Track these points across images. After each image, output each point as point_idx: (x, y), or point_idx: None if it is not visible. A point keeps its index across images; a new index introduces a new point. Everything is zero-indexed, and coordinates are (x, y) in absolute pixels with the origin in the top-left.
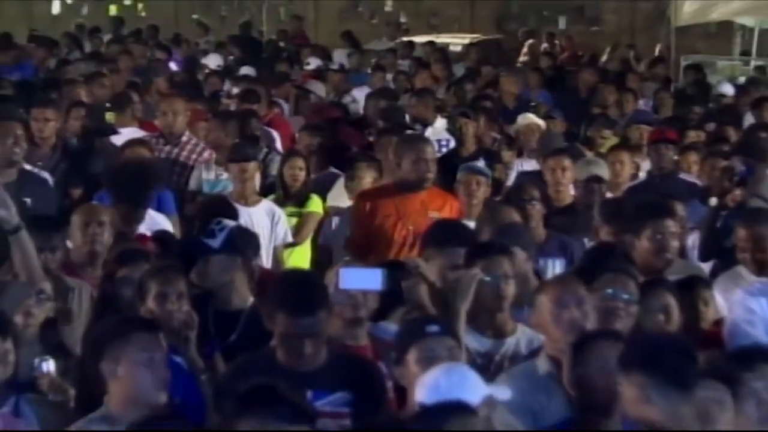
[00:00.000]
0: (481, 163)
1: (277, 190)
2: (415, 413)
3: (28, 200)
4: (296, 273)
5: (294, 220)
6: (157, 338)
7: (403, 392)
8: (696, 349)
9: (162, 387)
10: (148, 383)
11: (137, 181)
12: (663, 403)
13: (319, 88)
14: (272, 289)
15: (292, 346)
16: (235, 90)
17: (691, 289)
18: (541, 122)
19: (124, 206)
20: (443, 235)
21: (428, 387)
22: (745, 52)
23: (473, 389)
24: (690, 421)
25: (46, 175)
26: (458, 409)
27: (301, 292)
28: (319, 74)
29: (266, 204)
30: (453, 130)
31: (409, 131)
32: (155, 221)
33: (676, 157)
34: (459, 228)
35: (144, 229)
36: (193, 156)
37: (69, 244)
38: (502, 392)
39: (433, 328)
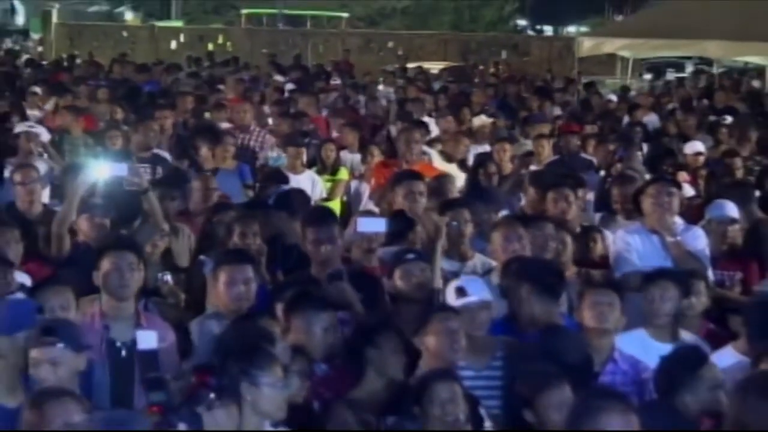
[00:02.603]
0: None
1: (318, 164)
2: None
3: (159, 169)
4: (316, 205)
5: (329, 185)
6: (250, 266)
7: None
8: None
9: (251, 297)
10: (243, 294)
11: None
12: (540, 304)
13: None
14: (302, 217)
15: (317, 252)
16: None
17: (587, 233)
18: (489, 120)
19: None
20: (401, 175)
21: (465, 281)
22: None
23: (486, 291)
24: (556, 316)
25: (166, 154)
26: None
27: (320, 213)
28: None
29: (308, 173)
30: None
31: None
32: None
33: (578, 143)
34: (412, 171)
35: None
36: (259, 140)
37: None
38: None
39: (411, 255)
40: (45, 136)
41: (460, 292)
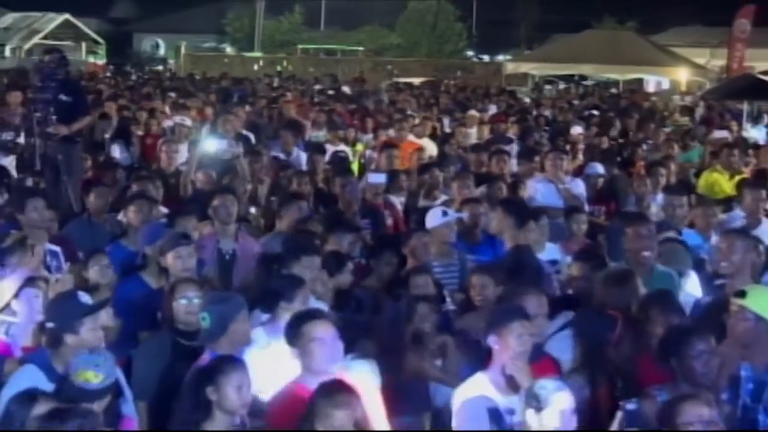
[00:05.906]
0: None
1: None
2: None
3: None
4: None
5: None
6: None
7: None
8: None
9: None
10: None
11: None
12: (512, 229)
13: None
14: (331, 171)
15: (342, 193)
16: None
17: (515, 185)
18: (477, 114)
19: None
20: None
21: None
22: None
23: (455, 215)
24: (521, 237)
25: (250, 134)
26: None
27: (342, 169)
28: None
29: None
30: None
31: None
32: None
33: (505, 127)
34: (392, 144)
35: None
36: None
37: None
38: None
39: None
40: (188, 123)
41: (444, 213)
